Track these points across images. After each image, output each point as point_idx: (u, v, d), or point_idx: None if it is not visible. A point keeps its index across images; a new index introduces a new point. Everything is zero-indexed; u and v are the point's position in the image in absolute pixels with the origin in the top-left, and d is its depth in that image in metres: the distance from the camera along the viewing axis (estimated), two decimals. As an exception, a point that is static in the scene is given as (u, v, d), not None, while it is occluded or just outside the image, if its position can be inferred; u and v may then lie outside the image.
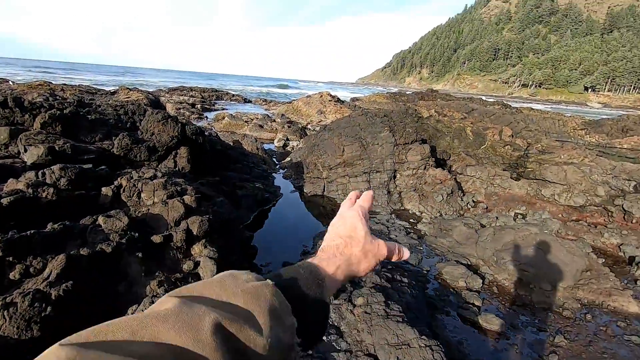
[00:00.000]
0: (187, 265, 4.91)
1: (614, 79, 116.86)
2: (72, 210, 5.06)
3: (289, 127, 28.06)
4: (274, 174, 15.24)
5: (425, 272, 7.12)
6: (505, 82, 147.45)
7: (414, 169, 12.24)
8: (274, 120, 30.55)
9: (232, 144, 17.27)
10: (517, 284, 6.63)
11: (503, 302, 6.24)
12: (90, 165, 6.36)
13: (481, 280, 6.63)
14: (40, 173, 5.19)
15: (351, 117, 14.93)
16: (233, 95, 56.05)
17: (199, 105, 37.52)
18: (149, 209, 5.39)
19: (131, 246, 4.55)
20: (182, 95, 45.74)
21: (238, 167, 12.09)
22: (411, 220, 10.73)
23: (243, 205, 9.78)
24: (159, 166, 8.65)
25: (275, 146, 23.24)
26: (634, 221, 8.93)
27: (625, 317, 5.90)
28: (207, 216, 5.46)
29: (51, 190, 4.85)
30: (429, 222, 10.06)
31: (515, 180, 11.53)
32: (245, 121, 28.80)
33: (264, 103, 50.39)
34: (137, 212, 5.35)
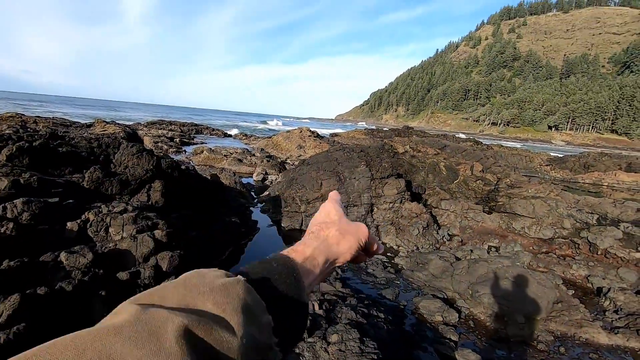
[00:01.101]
0: (154, 304, 4.68)
1: (574, 118, 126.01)
2: (33, 247, 4.80)
3: (268, 161, 28.22)
4: (251, 208, 15.09)
5: (402, 306, 7.05)
6: (476, 121, 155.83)
7: (390, 202, 12.45)
8: (253, 155, 30.71)
9: (209, 177, 17.14)
10: (493, 317, 6.65)
11: (479, 337, 6.21)
12: (56, 199, 6.15)
13: (457, 315, 6.61)
14: (1, 207, 4.96)
15: (329, 151, 15.25)
16: (213, 130, 56.35)
17: (177, 139, 37.40)
18: (116, 244, 5.20)
19: (95, 284, 4.32)
20: (160, 129, 45.56)
21: (214, 201, 11.92)
22: (389, 254, 10.74)
23: (218, 240, 9.54)
24: (132, 200, 8.44)
25: (254, 180, 23.19)
26: (599, 252, 9.30)
27: (596, 349, 5.97)
28: (179, 251, 5.30)
29: (11, 225, 4.62)
30: (406, 256, 10.11)
31: (488, 214, 11.90)
32: (224, 155, 28.80)
33: (244, 137, 50.83)
34: (104, 248, 5.14)
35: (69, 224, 5.30)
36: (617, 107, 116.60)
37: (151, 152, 9.59)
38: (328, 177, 12.91)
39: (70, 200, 6.55)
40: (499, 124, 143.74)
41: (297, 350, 4.35)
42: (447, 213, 12.66)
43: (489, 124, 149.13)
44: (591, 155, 30.32)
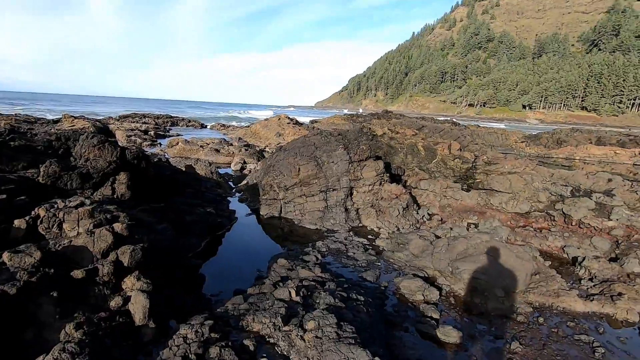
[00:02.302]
0: (115, 302, 4.33)
1: (547, 97, 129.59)
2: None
3: (246, 150, 27.58)
4: (229, 198, 14.66)
5: (384, 287, 6.94)
6: (454, 103, 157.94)
7: (369, 185, 12.31)
8: (231, 144, 29.98)
9: (184, 169, 16.53)
10: (473, 292, 6.63)
11: (460, 313, 6.17)
12: (4, 196, 5.62)
13: (438, 292, 6.55)
14: None
15: (307, 137, 14.90)
16: (189, 121, 54.80)
17: (152, 132, 36.11)
18: (71, 241, 4.77)
19: (44, 285, 3.93)
20: (134, 122, 43.86)
21: (188, 192, 11.45)
22: (369, 236, 10.64)
23: (192, 231, 9.15)
24: (95, 194, 7.91)
25: (233, 170, 22.61)
26: (573, 223, 9.47)
27: (573, 317, 6.04)
28: (141, 245, 4.93)
29: (-56, 225, 4.13)
30: (386, 237, 10.02)
31: (466, 192, 11.94)
32: (201, 146, 27.99)
33: (221, 128, 49.70)
34: (57, 245, 4.71)
35: (16, 222, 4.83)
36: (587, 84, 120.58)
37: (114, 143, 9.00)
38: (306, 162, 12.61)
39: (22, 197, 6.02)
40: (476, 105, 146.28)
41: (271, 340, 4.12)
42: (426, 193, 12.64)
43: (466, 105, 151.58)
44: (563, 131, 31.18)
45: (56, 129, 22.14)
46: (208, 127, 51.72)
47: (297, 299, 5.09)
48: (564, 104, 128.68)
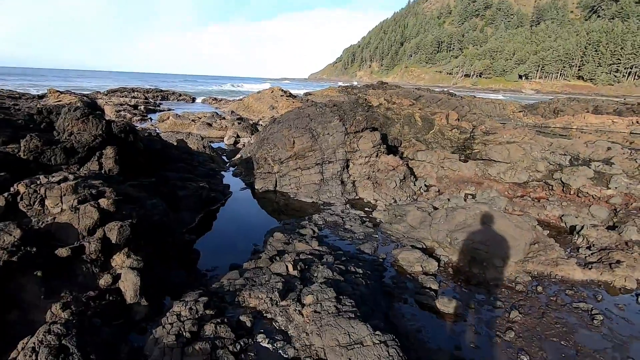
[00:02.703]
0: (104, 281, 4.15)
1: (543, 67, 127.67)
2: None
3: (239, 123, 26.94)
4: (222, 172, 14.35)
5: (382, 259, 6.86)
6: (450, 73, 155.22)
7: (366, 157, 12.06)
8: (224, 118, 29.28)
9: (175, 143, 16.09)
10: (471, 263, 6.57)
11: (459, 283, 6.13)
12: (-20, 172, 5.29)
13: (437, 263, 6.49)
14: None
15: (301, 108, 14.44)
16: (180, 95, 53.38)
17: (142, 107, 35.11)
18: (55, 218, 4.52)
19: (26, 264, 3.71)
20: (122, 96, 42.57)
21: (180, 166, 11.12)
22: (366, 208, 10.52)
23: (185, 206, 8.93)
24: (81, 170, 7.58)
25: (226, 144, 22.14)
26: (571, 192, 9.39)
27: (572, 285, 6.03)
28: (130, 221, 4.70)
29: None
30: (383, 210, 9.90)
31: (464, 162, 11.76)
32: (192, 120, 27.32)
33: (213, 102, 48.53)
34: (40, 223, 4.46)
35: (-6, 199, 4.53)
36: (584, 53, 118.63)
37: (99, 116, 8.55)
38: (300, 134, 12.25)
39: (2, 174, 5.69)
40: (472, 76, 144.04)
41: (268, 316, 4.01)
42: (423, 164, 12.45)
43: (461, 76, 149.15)
44: (560, 100, 30.82)
45: (41, 104, 21.35)
46: (200, 101, 50.48)
47: (295, 273, 4.96)
48: (560, 74, 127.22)
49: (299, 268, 5.15)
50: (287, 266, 5.02)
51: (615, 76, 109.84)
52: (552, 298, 5.64)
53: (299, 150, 12.14)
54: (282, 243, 6.75)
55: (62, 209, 4.65)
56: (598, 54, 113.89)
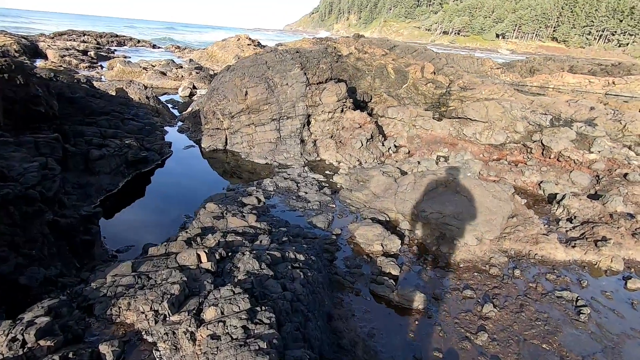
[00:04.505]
0: None
1: (520, 26, 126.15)
2: None
3: (197, 73, 24.18)
4: (167, 128, 12.39)
5: (335, 236, 5.69)
6: (428, 30, 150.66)
7: (329, 112, 10.53)
8: (181, 67, 26.34)
9: (115, 92, 13.77)
10: (440, 240, 5.54)
11: (425, 265, 5.10)
12: None
13: (399, 241, 5.40)
14: None
15: (258, 54, 12.43)
16: (139, 42, 48.12)
17: (92, 52, 31.03)
18: None
19: None
20: (70, 40, 37.49)
21: (103, 120, 9.15)
22: (327, 172, 9.23)
23: (103, 169, 7.24)
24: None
25: (180, 96, 19.71)
26: (551, 156, 8.48)
27: (553, 267, 5.16)
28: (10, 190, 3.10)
29: None
30: (346, 173, 8.64)
31: (438, 121, 10.55)
32: (144, 68, 24.30)
33: (176, 50, 44.22)
34: None
35: None
36: (560, 13, 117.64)
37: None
38: (255, 84, 10.45)
39: None
40: (450, 33, 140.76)
41: (149, 339, 2.72)
42: (394, 122, 11.12)
43: (440, 33, 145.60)
44: (536, 60, 29.93)
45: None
46: (162, 48, 45.79)
47: (208, 265, 3.65)
48: (536, 34, 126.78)
49: (216, 257, 3.85)
50: (198, 256, 3.71)
51: (587, 39, 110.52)
52: (531, 285, 4.73)
53: (253, 102, 10.41)
54: (212, 217, 5.37)
55: None
56: (573, 14, 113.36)
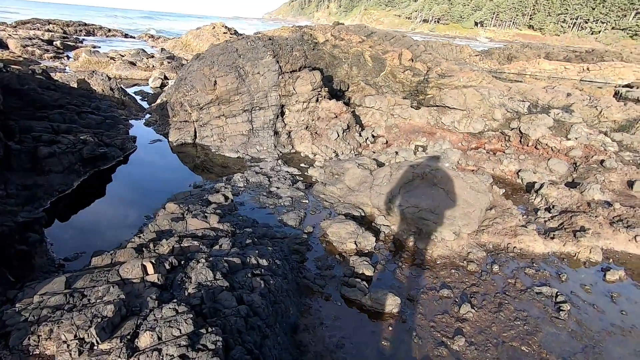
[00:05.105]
0: None
1: (498, 14, 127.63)
2: None
3: (169, 62, 23.13)
4: (132, 121, 11.65)
5: (306, 235, 5.33)
6: (408, 18, 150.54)
7: (304, 102, 10.07)
8: (152, 56, 25.14)
9: (76, 84, 12.86)
10: (417, 236, 5.26)
11: (400, 264, 4.82)
12: None
13: (374, 239, 5.09)
14: None
15: (228, 42, 11.78)
16: (110, 30, 45.82)
17: (58, 42, 29.23)
18: None
19: None
20: (33, 29, 35.22)
21: (55, 114, 8.40)
22: (302, 164, 8.82)
23: (54, 167, 6.61)
24: None
25: (151, 87, 18.68)
26: (529, 144, 8.34)
27: (532, 260, 4.97)
28: None
29: None
30: (321, 166, 8.27)
31: (416, 109, 10.26)
32: (111, 58, 23.03)
33: (150, 39, 42.40)
34: None
35: None
36: (536, 1, 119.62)
37: None
38: (224, 73, 9.86)
39: None
40: (430, 21, 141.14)
41: (69, 375, 2.30)
42: (371, 111, 10.77)
43: (420, 21, 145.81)
44: (514, 47, 30.12)
45: None
46: (135, 37, 43.75)
47: (155, 277, 3.22)
48: (513, 22, 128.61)
49: (167, 267, 3.43)
50: (144, 266, 3.28)
51: (562, 26, 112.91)
52: (510, 281, 4.52)
53: (223, 93, 9.83)
54: (170, 219, 4.91)
55: None
56: (549, 2, 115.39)
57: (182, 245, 4.04)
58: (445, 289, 4.29)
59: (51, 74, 13.66)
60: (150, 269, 3.31)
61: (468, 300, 4.13)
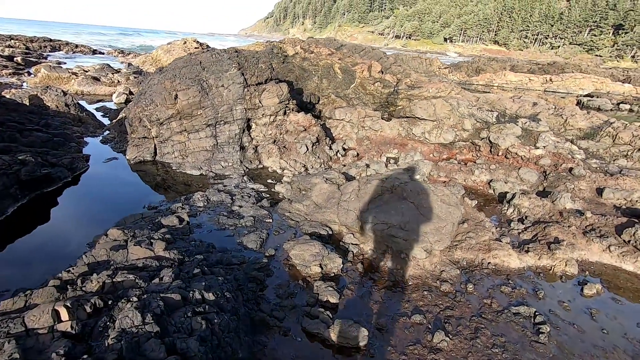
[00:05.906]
0: None
1: (465, 31, 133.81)
2: None
3: (135, 78, 22.37)
4: (87, 139, 10.89)
5: (267, 259, 4.84)
6: (381, 34, 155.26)
7: (271, 115, 9.68)
8: (118, 71, 24.28)
9: (27, 101, 11.97)
10: (386, 255, 4.89)
11: (369, 288, 4.40)
12: None
13: (341, 260, 4.66)
14: None
15: (192, 54, 11.33)
16: (77, 46, 44.33)
17: (19, 58, 27.83)
18: None
19: None
20: (-6, 45, 33.52)
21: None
22: (270, 180, 8.37)
23: (-18, 192, 5.86)
24: None
25: (115, 102, 17.84)
26: (499, 153, 8.26)
27: (507, 277, 4.68)
28: None
29: None
30: (288, 182, 7.85)
31: (387, 121, 10.08)
32: (74, 73, 22.00)
33: (120, 55, 41.25)
34: None
35: None
36: (500, 19, 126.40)
37: None
38: (187, 86, 9.37)
39: None
40: (402, 37, 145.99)
41: None
42: (342, 124, 10.52)
43: (392, 37, 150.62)
44: (481, 60, 31.21)
45: None
46: (105, 53, 42.48)
47: (67, 325, 2.66)
48: (479, 38, 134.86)
49: (88, 310, 2.87)
50: (56, 312, 2.72)
51: (525, 42, 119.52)
52: (485, 301, 4.19)
53: (184, 107, 9.32)
54: (109, 249, 4.31)
55: None
56: (512, 20, 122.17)
57: (114, 280, 3.47)
58: (417, 314, 3.90)
59: (5, 90, 12.75)
60: (64, 314, 2.74)
61: (442, 326, 3.75)
